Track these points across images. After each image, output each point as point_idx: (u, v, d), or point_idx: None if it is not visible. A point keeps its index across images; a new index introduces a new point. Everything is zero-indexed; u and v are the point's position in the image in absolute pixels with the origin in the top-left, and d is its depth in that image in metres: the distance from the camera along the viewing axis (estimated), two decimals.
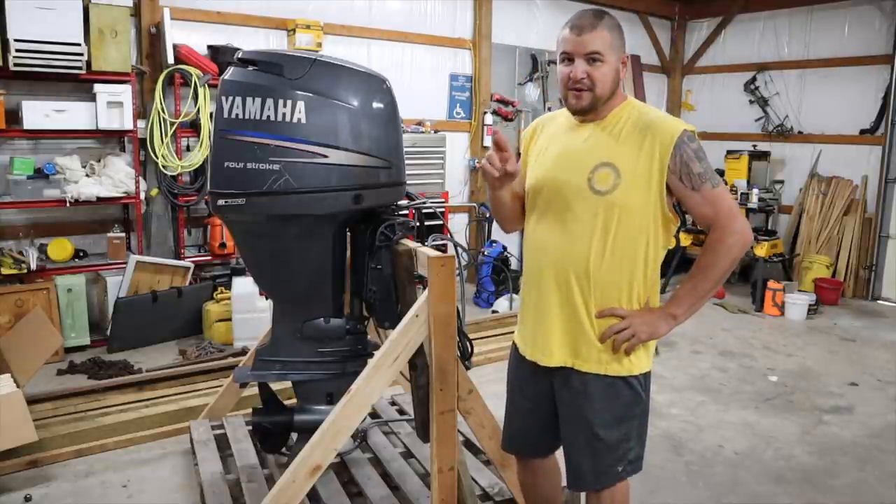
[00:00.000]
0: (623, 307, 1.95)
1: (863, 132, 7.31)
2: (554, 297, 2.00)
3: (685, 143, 1.87)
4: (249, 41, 5.58)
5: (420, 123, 6.54)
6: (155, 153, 5.07)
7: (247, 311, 4.95)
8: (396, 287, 2.56)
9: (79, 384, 4.13)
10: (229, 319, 5.04)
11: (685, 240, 7.16)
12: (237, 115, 2.38)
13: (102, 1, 4.68)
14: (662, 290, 5.04)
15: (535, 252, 2.08)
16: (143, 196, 5.09)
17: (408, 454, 3.17)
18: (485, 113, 7.11)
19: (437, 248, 2.51)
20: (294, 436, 2.90)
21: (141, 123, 5.02)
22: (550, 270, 2.00)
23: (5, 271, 4.53)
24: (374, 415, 3.51)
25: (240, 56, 2.50)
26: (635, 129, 1.92)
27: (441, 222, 3.33)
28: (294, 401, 2.89)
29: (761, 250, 6.80)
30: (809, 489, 3.31)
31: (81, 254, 5.00)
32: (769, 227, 7.64)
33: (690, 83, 8.92)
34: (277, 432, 2.83)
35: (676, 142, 1.86)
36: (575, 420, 2.03)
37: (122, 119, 4.81)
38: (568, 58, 1.93)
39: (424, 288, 2.32)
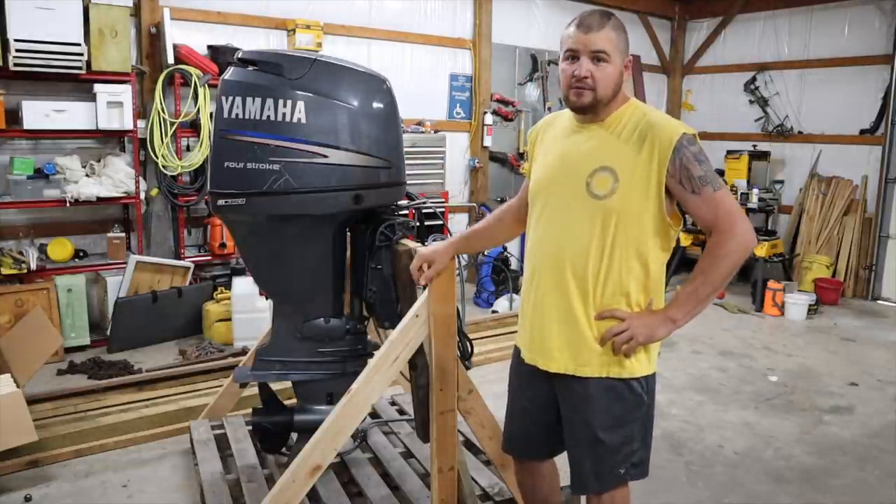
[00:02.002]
0: (623, 309, 1.95)
1: (863, 132, 7.31)
2: (552, 301, 1.99)
3: (685, 146, 1.84)
4: (249, 41, 5.58)
5: (420, 123, 6.54)
6: (155, 153, 5.07)
7: (247, 311, 4.95)
8: (396, 287, 2.56)
9: (79, 384, 4.13)
10: (229, 319, 5.04)
11: (685, 240, 7.16)
12: (237, 115, 2.39)
13: (102, 1, 4.68)
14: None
15: (533, 255, 2.07)
16: (143, 196, 5.09)
17: (408, 454, 3.17)
18: (485, 113, 7.12)
19: None
20: (294, 436, 2.90)
21: (141, 123, 5.02)
22: (549, 274, 2.00)
23: (5, 271, 4.53)
24: (374, 415, 3.51)
25: (240, 56, 2.50)
26: (635, 132, 1.89)
27: (441, 222, 3.32)
28: (294, 401, 2.89)
29: (761, 250, 6.79)
30: (809, 489, 3.31)
31: (81, 254, 5.00)
32: (769, 227, 7.64)
33: (690, 83, 8.92)
34: (277, 432, 2.84)
35: (676, 145, 1.83)
36: (577, 423, 2.03)
37: (122, 119, 4.80)
38: (573, 55, 1.91)
39: (424, 288, 2.32)
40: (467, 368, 2.49)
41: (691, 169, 1.84)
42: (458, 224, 7.06)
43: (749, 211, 7.29)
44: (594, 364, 1.96)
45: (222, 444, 3.25)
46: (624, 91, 1.98)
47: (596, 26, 1.88)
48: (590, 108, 1.94)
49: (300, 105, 2.35)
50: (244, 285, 4.93)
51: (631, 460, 2.01)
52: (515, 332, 2.21)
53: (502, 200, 7.25)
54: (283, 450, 2.98)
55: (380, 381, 2.28)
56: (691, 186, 1.84)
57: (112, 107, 4.75)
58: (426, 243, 2.58)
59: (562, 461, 2.20)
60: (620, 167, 1.89)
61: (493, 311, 6.11)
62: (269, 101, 2.35)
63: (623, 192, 1.88)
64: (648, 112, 1.94)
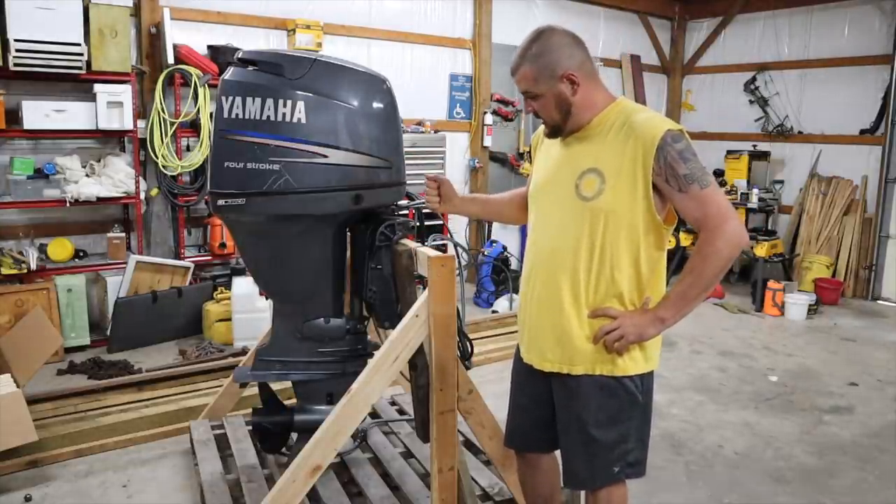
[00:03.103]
0: (617, 308, 1.95)
1: (863, 132, 7.31)
2: (545, 300, 2.01)
3: (668, 144, 1.83)
4: (249, 41, 5.58)
5: (420, 123, 6.54)
6: (155, 153, 5.07)
7: (247, 311, 4.95)
8: (396, 287, 2.56)
9: (79, 384, 4.13)
10: (229, 319, 5.04)
11: (685, 239, 7.16)
12: (237, 115, 2.38)
13: (102, 1, 4.68)
14: None
15: (530, 256, 2.11)
16: (143, 196, 5.09)
17: (408, 454, 3.17)
18: (485, 113, 7.12)
19: (437, 248, 2.51)
20: (294, 436, 2.90)
21: (141, 123, 5.02)
22: (542, 275, 2.02)
23: (5, 271, 4.53)
24: (374, 415, 3.51)
25: (240, 56, 2.49)
26: (619, 132, 1.90)
27: (441, 222, 3.33)
28: (294, 401, 2.89)
29: (761, 250, 6.80)
30: (809, 489, 3.31)
31: (81, 254, 5.00)
32: (769, 227, 7.64)
33: (690, 83, 8.92)
34: (277, 432, 2.83)
35: (659, 143, 1.83)
36: (570, 421, 2.04)
37: (122, 119, 4.80)
38: None
39: (424, 288, 2.32)
40: (467, 368, 2.49)
41: (676, 167, 1.83)
42: (458, 224, 7.06)
43: (749, 211, 7.30)
44: (586, 362, 1.97)
45: (222, 444, 3.25)
46: (608, 91, 2.00)
47: (514, 70, 1.98)
48: (557, 133, 2.01)
49: (300, 105, 2.35)
50: (244, 285, 4.93)
51: (626, 459, 2.01)
52: (515, 331, 2.22)
53: None
54: (283, 450, 2.98)
55: (380, 381, 2.29)
56: (678, 185, 1.84)
57: (112, 107, 4.75)
58: (426, 243, 2.58)
59: None
60: (607, 168, 1.90)
61: (493, 311, 6.11)
62: (269, 101, 2.35)
63: (610, 192, 1.89)
64: (633, 112, 1.94)
